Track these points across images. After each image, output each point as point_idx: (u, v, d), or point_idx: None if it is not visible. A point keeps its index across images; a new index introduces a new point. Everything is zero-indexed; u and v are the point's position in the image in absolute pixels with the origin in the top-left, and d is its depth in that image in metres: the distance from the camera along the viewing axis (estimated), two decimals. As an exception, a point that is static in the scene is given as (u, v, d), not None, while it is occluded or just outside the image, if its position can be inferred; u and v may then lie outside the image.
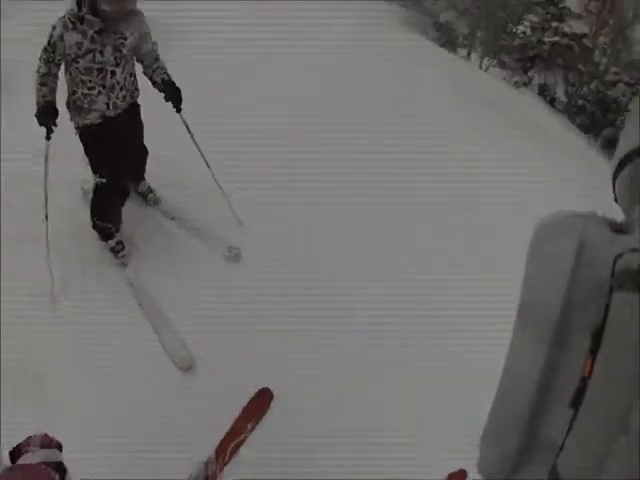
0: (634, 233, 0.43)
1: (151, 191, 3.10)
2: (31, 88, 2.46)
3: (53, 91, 2.47)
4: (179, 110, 2.70)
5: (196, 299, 2.63)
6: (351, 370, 2.56)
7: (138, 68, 2.66)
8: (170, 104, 2.67)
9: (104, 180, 2.61)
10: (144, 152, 2.88)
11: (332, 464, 2.17)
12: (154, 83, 2.65)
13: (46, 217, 2.57)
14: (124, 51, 2.46)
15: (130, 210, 2.92)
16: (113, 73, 2.47)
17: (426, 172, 3.25)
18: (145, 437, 2.12)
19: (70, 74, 2.47)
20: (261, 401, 2.41)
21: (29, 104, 2.49)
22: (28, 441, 1.02)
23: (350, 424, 2.36)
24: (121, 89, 2.53)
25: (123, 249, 2.81)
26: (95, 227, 2.77)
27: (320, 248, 2.99)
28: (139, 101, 2.73)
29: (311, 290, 2.71)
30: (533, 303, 0.48)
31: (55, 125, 2.48)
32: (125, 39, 2.44)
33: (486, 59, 12.78)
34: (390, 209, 3.27)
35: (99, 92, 2.48)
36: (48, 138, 2.51)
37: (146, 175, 3.04)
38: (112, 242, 2.78)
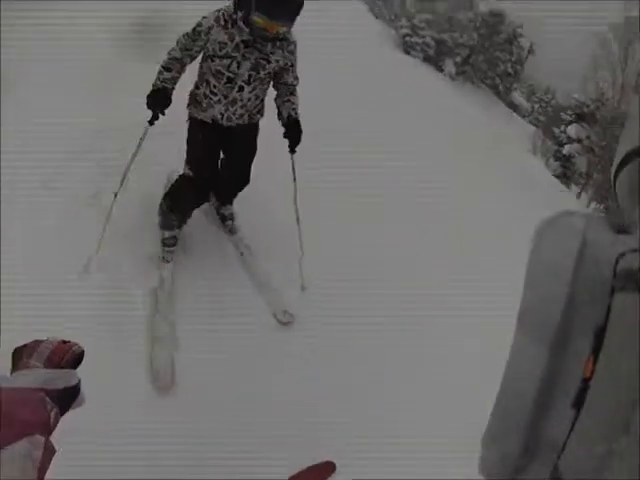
0: (635, 233, 0.44)
1: (232, 218, 2.98)
2: (31, 88, 2.46)
3: (174, 80, 2.39)
4: (293, 151, 2.59)
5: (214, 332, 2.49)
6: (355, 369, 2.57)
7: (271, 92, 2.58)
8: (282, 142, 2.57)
9: (191, 174, 2.55)
10: (243, 177, 2.71)
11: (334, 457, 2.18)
12: (279, 114, 2.55)
13: (115, 195, 2.55)
14: (261, 73, 2.37)
15: (202, 222, 2.88)
16: (241, 88, 2.38)
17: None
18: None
19: (201, 68, 2.42)
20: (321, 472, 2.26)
21: (29, 104, 2.51)
22: (35, 348, 0.74)
23: (351, 423, 2.36)
24: (242, 107, 2.44)
25: (173, 246, 2.73)
26: (161, 211, 2.72)
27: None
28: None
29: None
30: (534, 303, 0.48)
31: (162, 114, 2.41)
32: (268, 62, 2.35)
33: (594, 203, 12.81)
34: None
35: (219, 100, 2.41)
36: (151, 123, 2.45)
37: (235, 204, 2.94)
38: (167, 233, 2.72)
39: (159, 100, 2.36)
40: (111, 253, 2.59)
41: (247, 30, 2.22)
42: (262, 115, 2.60)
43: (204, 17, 2.28)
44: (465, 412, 2.24)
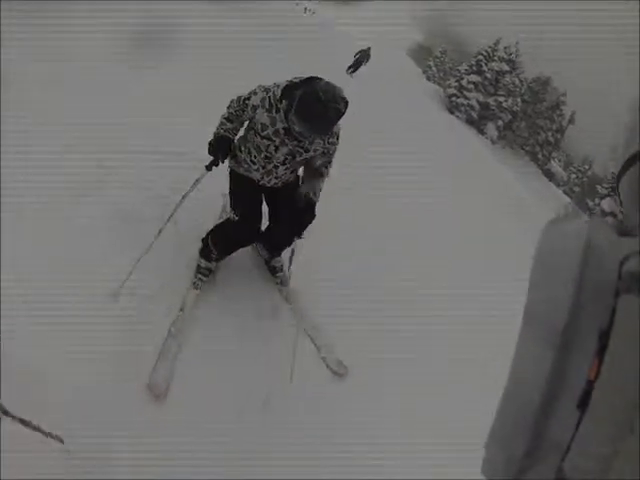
0: (639, 236, 0.44)
1: (282, 270, 2.90)
2: (31, 88, 2.44)
3: (235, 131, 2.43)
4: (300, 235, 2.54)
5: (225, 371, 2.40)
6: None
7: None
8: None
9: (236, 219, 2.55)
10: (290, 230, 2.59)
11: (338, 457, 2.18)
12: (299, 186, 2.52)
13: (160, 232, 2.52)
14: (297, 159, 2.37)
15: (248, 264, 2.84)
16: (276, 167, 2.41)
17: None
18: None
19: (247, 133, 2.43)
20: None
21: (29, 104, 2.49)
22: None
23: (352, 422, 2.37)
24: (276, 177, 2.47)
25: (206, 276, 2.69)
26: (203, 242, 2.72)
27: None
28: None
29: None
30: (539, 306, 0.48)
31: (222, 162, 2.44)
32: (306, 151, 2.33)
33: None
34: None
35: (257, 169, 2.44)
36: (209, 169, 2.47)
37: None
38: (204, 263, 2.70)
39: (221, 147, 2.40)
40: (142, 276, 2.53)
41: (286, 125, 2.22)
42: (308, 195, 2.47)
43: (254, 92, 2.28)
44: (465, 412, 2.25)
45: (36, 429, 1.70)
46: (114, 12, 4.53)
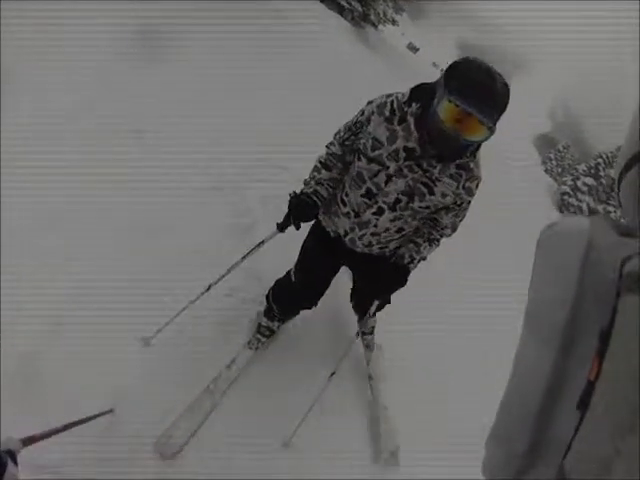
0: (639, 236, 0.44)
1: (371, 333, 2.42)
2: (31, 88, 2.43)
3: (332, 182, 1.77)
4: (386, 300, 1.95)
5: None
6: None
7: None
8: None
9: (293, 278, 2.12)
10: (369, 294, 1.93)
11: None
12: (398, 247, 1.83)
13: (208, 287, 2.12)
14: (415, 204, 1.60)
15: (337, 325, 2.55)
16: (380, 212, 1.66)
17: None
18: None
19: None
20: None
21: (29, 103, 2.48)
22: None
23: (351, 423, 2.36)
24: (373, 234, 1.73)
25: (266, 338, 2.28)
26: (267, 298, 2.30)
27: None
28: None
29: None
30: (540, 306, 0.48)
31: (298, 229, 1.81)
32: (430, 192, 1.57)
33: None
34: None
35: (348, 215, 1.74)
36: (281, 230, 1.86)
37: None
38: (265, 322, 2.30)
39: (304, 208, 1.74)
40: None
41: (416, 134, 1.49)
42: (403, 258, 1.76)
43: (369, 102, 1.62)
44: (465, 412, 2.25)
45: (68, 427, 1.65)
46: (116, 12, 4.53)
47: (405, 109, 1.52)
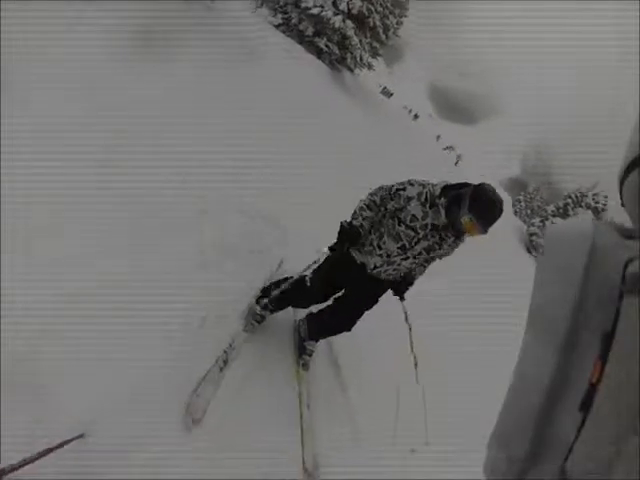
0: None
1: (310, 355, 2.89)
2: (30, 88, 2.43)
3: (371, 220, 2.42)
4: (403, 298, 2.62)
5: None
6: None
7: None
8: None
9: (308, 284, 2.63)
10: (348, 323, 2.64)
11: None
12: (410, 271, 2.54)
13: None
14: (429, 255, 2.38)
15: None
16: (406, 258, 2.38)
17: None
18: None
19: (383, 218, 2.40)
20: None
21: (28, 103, 2.48)
22: None
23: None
24: (394, 270, 2.44)
25: (259, 322, 2.82)
26: (264, 291, 2.89)
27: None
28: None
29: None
30: (544, 307, 0.48)
31: (347, 249, 2.48)
32: (440, 248, 2.36)
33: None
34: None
35: (381, 255, 2.40)
36: (332, 250, 2.50)
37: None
38: (260, 310, 2.83)
39: (352, 236, 2.42)
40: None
41: (444, 219, 2.23)
42: (414, 277, 2.60)
43: (410, 184, 2.31)
44: (465, 413, 2.25)
45: (41, 455, 1.66)
46: (116, 12, 4.53)
47: (436, 200, 2.23)
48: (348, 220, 2.43)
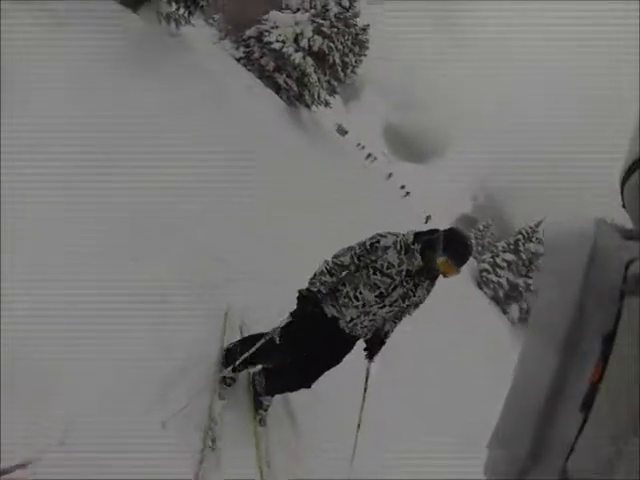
0: None
1: (266, 410, 2.83)
2: (30, 88, 2.44)
3: (331, 287, 2.42)
4: (371, 359, 2.60)
5: None
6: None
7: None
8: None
9: (277, 342, 2.51)
10: (309, 379, 2.60)
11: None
12: (382, 326, 2.56)
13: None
14: (404, 303, 2.40)
15: None
16: (382, 307, 2.40)
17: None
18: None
19: (357, 271, 2.40)
20: None
21: (28, 103, 2.48)
22: None
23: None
24: (370, 320, 2.44)
25: (230, 385, 2.73)
26: (229, 351, 2.77)
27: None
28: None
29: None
30: (545, 308, 0.48)
31: (308, 314, 2.43)
32: (414, 295, 2.40)
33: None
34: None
35: (357, 306, 2.40)
36: (294, 317, 2.46)
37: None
38: (228, 373, 2.72)
39: (312, 303, 2.41)
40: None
41: (420, 263, 2.30)
42: (387, 333, 2.60)
43: (382, 236, 2.38)
44: (465, 413, 2.25)
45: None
46: (116, 11, 4.53)
47: (410, 247, 2.32)
48: (305, 287, 2.42)
